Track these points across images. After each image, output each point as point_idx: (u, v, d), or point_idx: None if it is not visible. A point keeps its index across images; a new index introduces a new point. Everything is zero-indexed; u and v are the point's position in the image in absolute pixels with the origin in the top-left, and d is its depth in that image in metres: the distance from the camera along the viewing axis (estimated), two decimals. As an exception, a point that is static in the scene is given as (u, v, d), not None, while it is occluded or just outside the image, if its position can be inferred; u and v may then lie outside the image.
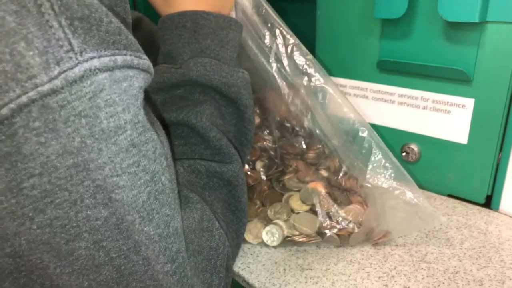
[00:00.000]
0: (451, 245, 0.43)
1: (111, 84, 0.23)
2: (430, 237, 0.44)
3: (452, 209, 0.50)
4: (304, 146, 0.52)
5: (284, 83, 0.45)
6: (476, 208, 0.51)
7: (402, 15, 0.48)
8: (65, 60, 0.21)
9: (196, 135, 0.38)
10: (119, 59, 0.23)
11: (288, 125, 0.55)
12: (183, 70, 0.37)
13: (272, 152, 0.54)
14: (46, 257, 0.24)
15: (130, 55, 0.24)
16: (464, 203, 0.52)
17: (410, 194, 0.41)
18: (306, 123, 0.50)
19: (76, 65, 0.21)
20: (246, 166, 0.51)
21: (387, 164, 0.42)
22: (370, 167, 0.43)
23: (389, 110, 0.55)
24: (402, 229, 0.43)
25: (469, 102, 0.48)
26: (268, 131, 0.56)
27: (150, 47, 0.38)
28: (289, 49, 0.45)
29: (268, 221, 0.46)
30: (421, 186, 0.54)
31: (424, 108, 0.52)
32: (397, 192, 0.42)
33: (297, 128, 0.53)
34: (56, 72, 0.21)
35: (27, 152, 0.21)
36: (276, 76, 0.46)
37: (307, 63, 0.45)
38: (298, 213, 0.46)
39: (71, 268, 0.25)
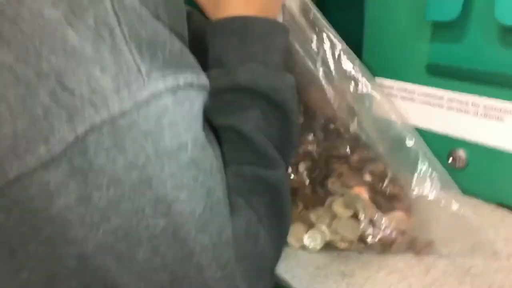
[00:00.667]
0: (497, 258, 0.42)
1: (174, 105, 0.25)
2: (475, 250, 0.44)
3: (500, 220, 0.49)
4: (349, 150, 0.52)
5: (330, 87, 0.45)
6: (526, 219, 0.49)
7: (455, 18, 0.46)
8: (134, 83, 0.23)
9: (243, 140, 0.39)
10: (181, 80, 0.25)
11: (332, 126, 0.55)
12: (231, 77, 0.38)
13: (315, 155, 0.55)
14: (109, 260, 0.26)
15: (191, 73, 0.26)
16: (514, 213, 0.50)
17: (457, 206, 0.41)
18: (352, 127, 0.50)
19: (144, 87, 0.23)
20: (289, 169, 0.52)
21: (434, 174, 0.41)
22: (416, 176, 0.42)
23: (437, 114, 0.53)
24: (447, 240, 0.43)
25: (524, 110, 0.46)
26: (312, 132, 0.56)
27: (199, 42, 0.40)
28: (336, 54, 0.45)
29: (310, 225, 0.47)
30: (468, 194, 0.53)
31: (475, 113, 0.50)
32: (443, 203, 0.41)
33: (342, 130, 0.53)
34: (126, 95, 0.23)
35: (97, 167, 0.24)
36: (323, 81, 0.46)
37: (355, 68, 0.44)
38: (340, 218, 0.46)
39: (130, 271, 0.27)
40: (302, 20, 0.47)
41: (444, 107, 0.53)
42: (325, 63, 0.46)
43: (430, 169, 0.42)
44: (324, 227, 0.46)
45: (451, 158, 0.53)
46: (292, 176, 0.50)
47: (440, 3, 0.46)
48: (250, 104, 0.39)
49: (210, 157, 0.28)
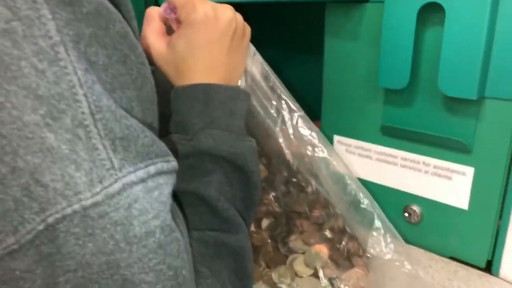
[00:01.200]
0: (450, 315, 0.44)
1: (144, 194, 0.26)
2: (430, 307, 0.46)
3: (453, 274, 0.51)
4: (309, 206, 0.54)
5: (289, 151, 0.48)
6: (476, 273, 0.52)
7: (404, 86, 0.50)
8: (107, 178, 0.24)
9: (205, 205, 0.40)
10: (152, 169, 0.27)
11: (295, 180, 0.57)
12: (194, 143, 0.40)
13: (277, 209, 0.56)
14: None
15: (161, 161, 0.28)
16: (466, 266, 0.53)
17: (409, 266, 0.43)
18: (312, 185, 0.52)
19: (116, 181, 0.24)
20: (252, 226, 0.53)
21: (387, 236, 0.44)
22: (371, 238, 0.44)
23: (392, 171, 0.57)
24: (402, 299, 0.45)
25: (469, 170, 0.50)
26: (274, 188, 0.58)
27: (161, 98, 0.41)
28: (294, 120, 0.48)
29: (272, 285, 0.47)
30: (423, 247, 0.56)
31: (426, 172, 0.54)
32: (397, 263, 0.43)
33: (303, 184, 0.56)
34: (98, 189, 0.24)
35: (65, 252, 0.24)
36: (282, 144, 0.48)
37: (312, 134, 0.47)
38: (302, 277, 0.47)
39: None
40: (263, 85, 0.50)
41: (398, 165, 0.56)
42: (284, 128, 0.48)
43: (384, 232, 0.44)
44: (285, 287, 0.47)
45: (406, 213, 0.56)
46: (255, 234, 0.52)
47: (391, 72, 0.51)
48: (212, 168, 0.40)
49: (177, 240, 0.29)
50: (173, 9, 0.42)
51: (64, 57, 0.23)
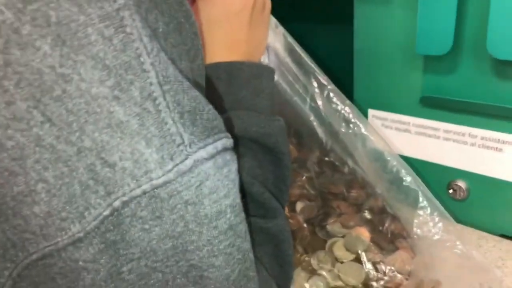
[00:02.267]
0: (507, 297, 0.41)
1: (215, 171, 0.24)
2: (484, 289, 0.42)
3: (506, 253, 0.48)
4: (345, 186, 0.51)
5: (321, 129, 0.44)
6: (532, 250, 0.48)
7: (447, 52, 0.46)
8: (178, 154, 0.22)
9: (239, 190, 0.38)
10: (219, 145, 0.25)
11: (327, 159, 0.54)
12: None
13: (312, 191, 0.53)
14: None
15: (225, 137, 0.26)
16: (519, 244, 0.49)
17: (461, 246, 0.39)
18: (347, 163, 0.49)
19: (187, 157, 0.22)
20: (286, 210, 0.51)
21: (435, 215, 0.40)
22: (416, 218, 0.41)
23: (433, 146, 0.53)
24: (454, 282, 0.42)
25: (523, 141, 0.46)
26: (307, 169, 0.55)
27: None
28: (325, 94, 0.44)
29: (311, 271, 0.45)
30: (471, 225, 0.52)
31: (472, 144, 0.49)
32: (447, 244, 0.40)
33: (337, 164, 0.52)
34: (170, 167, 0.22)
35: (130, 239, 0.22)
36: (314, 122, 0.45)
37: (345, 109, 0.44)
38: (343, 262, 0.45)
39: None
40: (288, 60, 0.46)
41: (440, 138, 0.52)
42: (314, 104, 0.45)
43: (431, 210, 0.40)
44: (326, 273, 0.44)
45: (451, 190, 0.52)
46: (290, 219, 0.49)
47: (431, 37, 0.46)
48: (243, 151, 0.38)
49: (244, 220, 0.27)
50: None
51: (129, 22, 0.21)
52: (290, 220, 0.49)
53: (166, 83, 0.22)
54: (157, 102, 0.22)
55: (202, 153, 0.23)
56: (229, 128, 0.37)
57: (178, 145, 0.22)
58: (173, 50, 0.24)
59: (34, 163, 0.20)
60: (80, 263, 0.22)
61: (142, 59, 0.21)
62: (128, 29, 0.21)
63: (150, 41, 0.21)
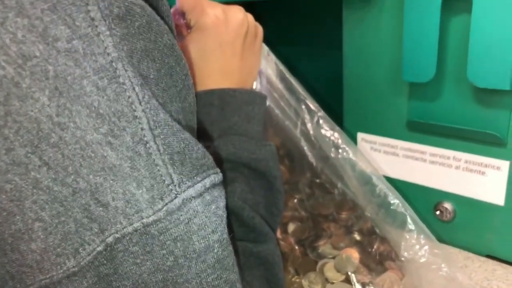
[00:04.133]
0: (492, 318, 0.42)
1: (203, 208, 0.25)
2: (470, 309, 0.44)
3: (491, 273, 0.49)
4: (336, 208, 0.52)
5: (312, 154, 0.46)
6: (516, 271, 0.49)
7: (430, 79, 0.48)
8: (167, 194, 0.23)
9: (229, 214, 0.39)
10: (207, 182, 0.26)
11: (318, 181, 0.55)
12: (213, 150, 0.39)
13: (303, 212, 0.55)
14: None
15: (213, 173, 0.27)
16: (504, 264, 0.50)
17: (447, 269, 0.41)
18: (338, 186, 0.51)
19: (176, 196, 0.24)
20: (278, 231, 0.52)
21: (421, 238, 0.42)
22: (404, 240, 0.42)
23: (420, 168, 0.54)
24: (440, 302, 0.43)
25: (504, 164, 0.47)
26: (298, 190, 0.56)
27: None
28: (315, 120, 0.46)
29: (303, 292, 0.46)
30: (458, 246, 0.53)
31: (457, 168, 0.51)
32: (433, 266, 0.41)
33: (328, 187, 0.54)
34: (160, 206, 0.23)
35: (122, 272, 0.23)
36: (304, 147, 0.46)
37: (334, 134, 0.45)
38: (333, 283, 0.46)
39: None
40: (280, 86, 0.48)
41: (427, 161, 0.54)
42: (305, 129, 0.46)
43: (417, 232, 0.42)
44: (317, 294, 0.45)
45: (438, 211, 0.54)
46: (281, 241, 0.50)
47: (415, 65, 0.48)
48: (234, 176, 0.39)
49: (231, 253, 0.28)
50: (181, 14, 0.41)
51: (122, 73, 0.22)
52: (282, 242, 0.50)
53: (156, 128, 0.23)
54: (148, 145, 0.23)
55: (191, 192, 0.24)
56: (221, 153, 0.38)
57: (168, 185, 0.23)
58: (164, 94, 0.25)
59: (32, 204, 0.22)
60: None
61: (134, 107, 0.22)
62: (121, 79, 0.22)
63: (141, 89, 0.23)
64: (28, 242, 0.22)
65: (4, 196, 0.21)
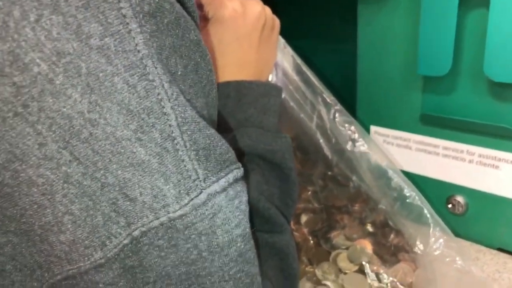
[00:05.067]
0: (504, 310, 0.43)
1: (227, 203, 0.26)
2: (482, 301, 0.44)
3: (502, 265, 0.50)
4: (349, 199, 0.53)
5: (327, 147, 0.47)
6: (528, 264, 0.50)
7: (446, 73, 0.48)
8: (193, 189, 0.24)
9: None
10: (231, 177, 0.26)
11: (331, 173, 0.56)
12: (229, 142, 0.39)
13: (316, 204, 0.55)
14: None
15: (236, 168, 0.27)
16: (515, 257, 0.51)
17: (461, 262, 0.41)
18: (352, 178, 0.51)
19: (201, 192, 0.24)
20: (291, 222, 0.53)
21: (437, 231, 0.42)
22: (419, 233, 0.43)
23: (433, 162, 0.55)
24: (453, 294, 0.43)
25: (518, 158, 0.48)
26: (311, 182, 0.57)
27: None
28: (331, 114, 0.46)
29: (316, 281, 0.47)
30: (469, 239, 0.54)
31: (470, 161, 0.52)
32: (448, 259, 0.42)
33: (339, 179, 0.54)
34: (186, 201, 0.24)
35: (147, 264, 0.24)
36: (320, 139, 0.47)
37: (351, 128, 0.46)
38: (346, 273, 0.46)
39: None
40: (296, 79, 0.48)
41: (440, 154, 0.54)
42: (320, 122, 0.47)
43: (432, 225, 0.42)
44: (330, 283, 0.46)
45: (450, 204, 0.54)
46: (295, 231, 0.51)
47: (431, 58, 0.48)
48: (250, 167, 0.40)
49: (253, 247, 0.29)
50: (199, 6, 0.41)
51: (152, 70, 0.22)
52: (295, 232, 0.51)
53: (184, 124, 0.24)
54: (175, 142, 0.23)
55: (215, 187, 0.25)
56: (237, 144, 0.39)
57: (194, 181, 0.24)
58: (191, 90, 0.26)
59: (62, 198, 0.22)
60: (100, 285, 0.24)
61: (163, 104, 0.23)
62: (150, 77, 0.22)
63: (170, 86, 0.23)
64: (57, 234, 0.23)
65: (35, 190, 0.22)
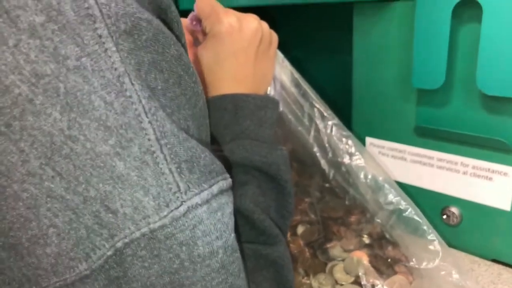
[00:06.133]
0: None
1: (208, 216, 0.26)
2: (477, 313, 0.45)
3: (497, 277, 0.50)
4: (345, 211, 0.53)
5: (324, 160, 0.47)
6: (522, 275, 0.50)
7: (440, 86, 0.49)
8: (173, 201, 0.24)
9: (240, 217, 0.39)
10: (215, 189, 0.27)
11: (328, 185, 0.56)
12: (225, 154, 0.39)
13: (312, 215, 0.56)
14: None
15: (221, 180, 0.28)
16: (509, 268, 0.51)
17: (457, 275, 0.41)
18: (350, 191, 0.51)
19: (181, 204, 0.25)
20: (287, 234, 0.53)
21: (434, 244, 0.42)
22: (415, 245, 0.43)
23: (428, 173, 0.55)
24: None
25: (511, 170, 0.48)
26: (308, 193, 0.57)
27: None
28: (328, 129, 0.47)
29: (313, 293, 0.47)
30: (464, 250, 0.54)
31: (464, 173, 0.52)
32: (443, 272, 0.42)
33: (337, 191, 0.55)
34: (165, 213, 0.24)
35: (131, 275, 0.25)
36: (317, 153, 0.47)
37: (348, 142, 0.46)
38: (342, 285, 0.47)
39: None
40: (293, 91, 0.49)
41: (434, 166, 0.55)
42: (318, 136, 0.47)
43: (428, 238, 0.43)
44: (327, 296, 0.46)
45: (445, 215, 0.55)
46: (291, 243, 0.51)
47: (425, 72, 0.49)
48: (246, 179, 0.40)
49: (238, 259, 0.29)
50: (198, 20, 0.42)
51: (129, 87, 0.23)
52: (292, 244, 0.51)
53: (163, 138, 0.24)
54: (155, 155, 0.24)
55: (196, 199, 0.25)
56: (234, 157, 0.39)
57: (174, 193, 0.24)
58: (172, 103, 0.26)
59: (46, 211, 0.23)
60: None
61: (140, 119, 0.23)
62: (127, 93, 0.23)
63: (148, 101, 0.24)
64: (43, 246, 0.24)
65: (21, 204, 0.23)
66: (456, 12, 0.46)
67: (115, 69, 0.23)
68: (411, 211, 0.44)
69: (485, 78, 0.45)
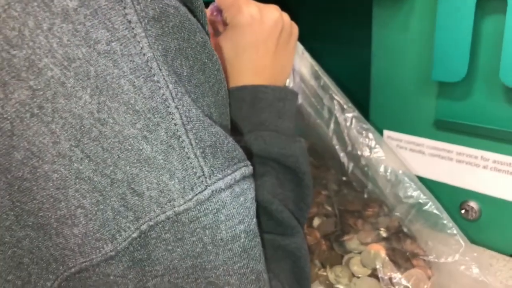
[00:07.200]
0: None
1: (231, 200, 0.26)
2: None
3: (516, 272, 0.49)
4: (362, 204, 0.53)
5: (343, 152, 0.47)
6: (542, 271, 0.50)
7: (461, 79, 0.48)
8: (198, 185, 0.25)
9: (259, 208, 0.40)
10: (238, 174, 0.27)
11: (345, 179, 0.56)
12: (244, 145, 0.40)
13: (329, 208, 0.56)
14: None
15: (243, 166, 0.28)
16: (529, 264, 0.51)
17: (477, 270, 0.41)
18: (369, 184, 0.51)
19: (206, 188, 0.25)
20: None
21: (454, 239, 0.42)
22: (435, 240, 0.43)
23: (446, 167, 0.55)
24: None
25: (533, 165, 0.48)
26: (325, 186, 0.57)
27: None
28: (348, 120, 0.46)
29: (329, 285, 0.47)
30: (482, 245, 0.54)
31: (485, 167, 0.52)
32: (462, 267, 0.42)
33: (355, 184, 0.55)
34: (190, 196, 0.25)
35: (155, 257, 0.25)
36: (336, 146, 0.47)
37: (368, 135, 0.46)
38: (359, 277, 0.47)
39: None
40: (313, 84, 0.49)
41: (453, 160, 0.54)
42: (337, 129, 0.47)
43: (449, 232, 0.42)
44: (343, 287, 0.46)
45: (463, 210, 0.54)
46: (306, 231, 0.51)
47: (446, 64, 0.48)
48: (264, 170, 0.40)
49: (259, 244, 0.29)
50: (219, 11, 0.42)
51: (156, 72, 0.23)
52: (308, 236, 0.51)
53: (189, 123, 0.25)
54: (181, 139, 0.24)
55: (220, 184, 0.26)
56: (252, 148, 0.39)
57: (199, 177, 0.25)
58: (197, 90, 0.27)
59: (75, 192, 0.24)
60: (111, 277, 0.25)
61: (167, 104, 0.24)
62: (155, 78, 0.24)
63: (175, 87, 0.24)
64: (71, 227, 0.24)
65: (51, 184, 0.24)
66: (480, 3, 0.45)
67: (144, 54, 0.23)
68: (431, 205, 0.44)
69: (508, 71, 0.44)
